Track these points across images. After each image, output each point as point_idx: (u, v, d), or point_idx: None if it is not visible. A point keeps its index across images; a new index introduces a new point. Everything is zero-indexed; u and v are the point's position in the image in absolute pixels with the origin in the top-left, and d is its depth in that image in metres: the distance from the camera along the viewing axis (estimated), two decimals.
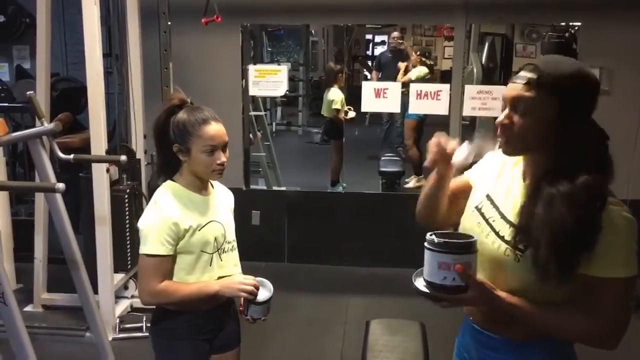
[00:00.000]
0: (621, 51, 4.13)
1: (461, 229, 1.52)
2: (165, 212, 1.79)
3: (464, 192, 1.57)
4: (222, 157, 1.82)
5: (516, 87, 1.31)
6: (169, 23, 3.79)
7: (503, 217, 1.41)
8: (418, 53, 5.90)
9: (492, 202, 1.46)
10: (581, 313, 1.30)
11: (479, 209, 1.48)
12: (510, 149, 1.37)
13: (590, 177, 1.26)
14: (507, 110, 1.33)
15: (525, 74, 1.31)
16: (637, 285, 1.34)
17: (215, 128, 1.80)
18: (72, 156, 2.84)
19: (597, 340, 1.32)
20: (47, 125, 2.70)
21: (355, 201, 4.69)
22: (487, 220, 1.44)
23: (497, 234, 1.40)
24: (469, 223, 1.49)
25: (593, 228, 1.25)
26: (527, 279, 1.32)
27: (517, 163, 1.47)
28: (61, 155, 2.80)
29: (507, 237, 1.37)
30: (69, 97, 4.60)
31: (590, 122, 1.33)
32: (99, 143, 3.29)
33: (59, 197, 2.64)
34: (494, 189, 1.48)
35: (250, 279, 1.87)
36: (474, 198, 1.53)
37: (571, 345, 1.45)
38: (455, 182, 1.58)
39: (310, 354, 3.38)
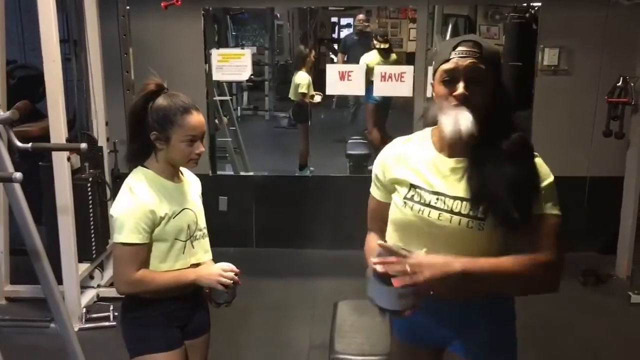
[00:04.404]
0: (580, 31, 4.20)
1: (396, 224, 1.58)
2: (141, 200, 1.76)
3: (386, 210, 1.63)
4: (201, 147, 1.81)
5: (467, 60, 1.42)
6: (128, 7, 3.70)
7: (444, 195, 1.48)
8: (376, 36, 5.85)
9: (420, 188, 1.52)
10: (528, 251, 1.42)
11: (410, 199, 1.53)
12: None
13: (520, 135, 1.48)
14: (462, 83, 1.42)
15: (469, 49, 1.43)
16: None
17: (196, 118, 1.78)
18: (30, 145, 2.78)
19: (540, 278, 1.42)
20: (3, 114, 2.64)
21: (323, 184, 4.70)
22: (429, 205, 1.49)
23: (451, 211, 1.47)
24: (404, 216, 1.54)
25: (535, 174, 1.44)
26: (494, 242, 1.46)
27: (407, 141, 1.60)
28: (19, 143, 2.73)
29: (464, 211, 1.46)
30: (28, 85, 4.47)
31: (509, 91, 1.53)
32: (58, 131, 3.23)
33: (17, 187, 2.57)
34: (412, 176, 1.54)
35: (229, 269, 1.85)
36: (398, 194, 1.57)
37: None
38: (378, 213, 1.68)
39: (280, 337, 3.40)
